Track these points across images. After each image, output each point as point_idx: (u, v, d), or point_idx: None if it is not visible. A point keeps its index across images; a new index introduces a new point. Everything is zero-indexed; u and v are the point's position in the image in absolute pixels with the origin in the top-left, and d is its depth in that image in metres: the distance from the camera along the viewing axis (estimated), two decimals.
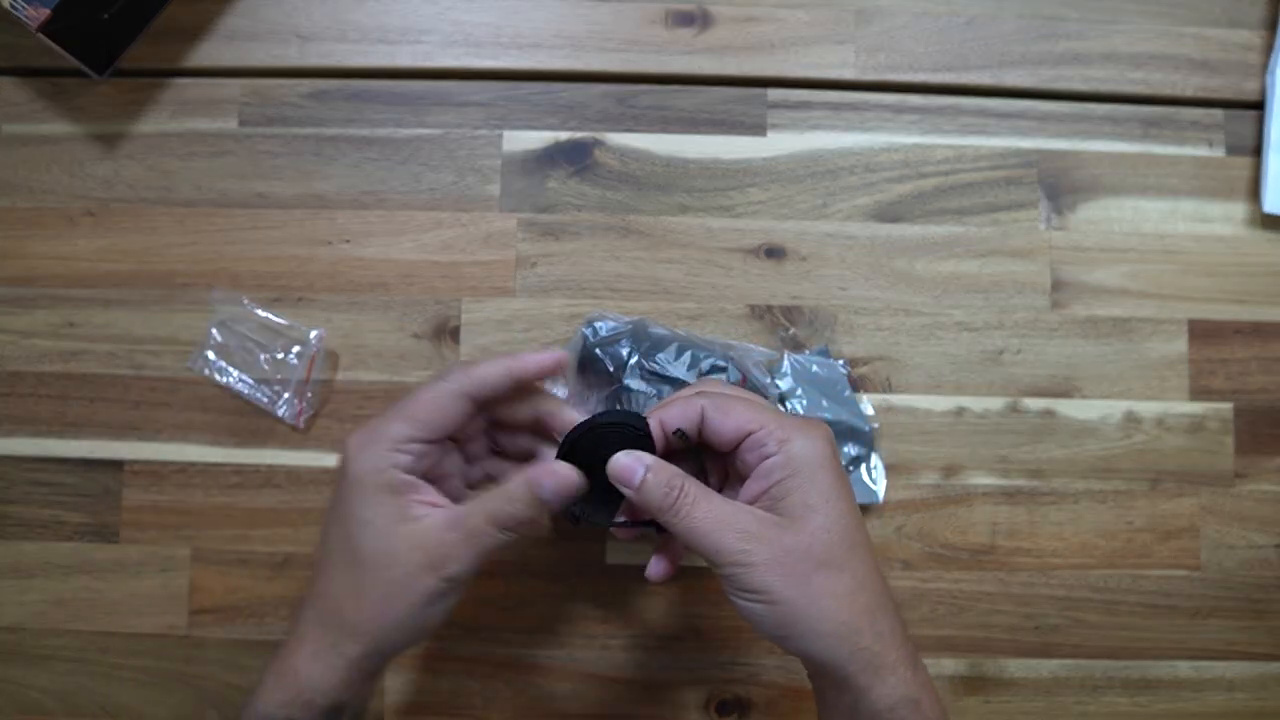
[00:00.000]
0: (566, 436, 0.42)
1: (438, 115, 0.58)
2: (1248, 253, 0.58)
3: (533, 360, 0.42)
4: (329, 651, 0.40)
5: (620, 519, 0.43)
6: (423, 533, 0.40)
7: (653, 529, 0.42)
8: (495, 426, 0.46)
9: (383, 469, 0.40)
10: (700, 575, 0.55)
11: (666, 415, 0.41)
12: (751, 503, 0.40)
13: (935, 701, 0.40)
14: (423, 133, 0.58)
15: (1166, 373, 0.57)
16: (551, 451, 0.43)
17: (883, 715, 0.38)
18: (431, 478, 0.42)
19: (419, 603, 0.40)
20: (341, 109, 0.58)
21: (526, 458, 0.46)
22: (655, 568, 0.43)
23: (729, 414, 0.40)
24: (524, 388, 0.43)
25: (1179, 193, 0.58)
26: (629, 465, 0.40)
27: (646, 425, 0.41)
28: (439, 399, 0.41)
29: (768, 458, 0.39)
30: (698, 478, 0.40)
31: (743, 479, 0.41)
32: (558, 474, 0.40)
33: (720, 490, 0.43)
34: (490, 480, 0.46)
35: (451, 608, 0.41)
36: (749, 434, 0.40)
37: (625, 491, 0.40)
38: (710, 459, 0.44)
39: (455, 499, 0.42)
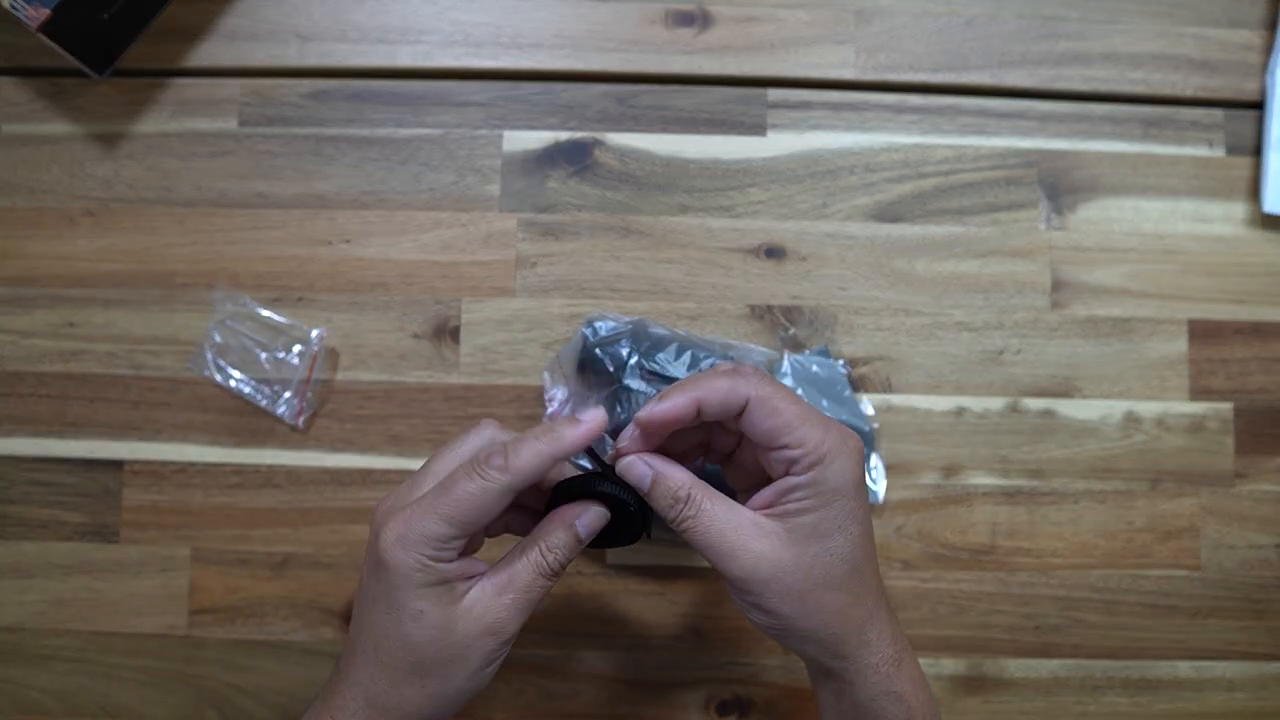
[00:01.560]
0: (560, 486, 0.42)
1: (438, 115, 0.58)
2: (1248, 253, 0.58)
3: (572, 435, 0.40)
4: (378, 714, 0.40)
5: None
6: (477, 605, 0.39)
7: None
8: None
9: (427, 566, 0.38)
10: (700, 576, 0.55)
11: (706, 396, 0.39)
12: (764, 507, 0.40)
13: (923, 697, 0.41)
14: (423, 133, 0.58)
15: (1166, 373, 0.57)
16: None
17: (863, 704, 0.40)
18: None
19: (478, 667, 0.40)
20: (341, 109, 0.58)
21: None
22: None
23: (774, 415, 0.39)
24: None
25: (1179, 193, 0.58)
26: (641, 472, 0.40)
27: (638, 501, 0.41)
28: (484, 499, 0.38)
29: (793, 474, 0.39)
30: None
31: (761, 466, 0.41)
32: (593, 512, 0.41)
33: (734, 450, 0.43)
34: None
35: (500, 663, 0.41)
36: (785, 446, 0.39)
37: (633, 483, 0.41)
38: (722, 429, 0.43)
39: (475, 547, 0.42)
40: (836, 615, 0.39)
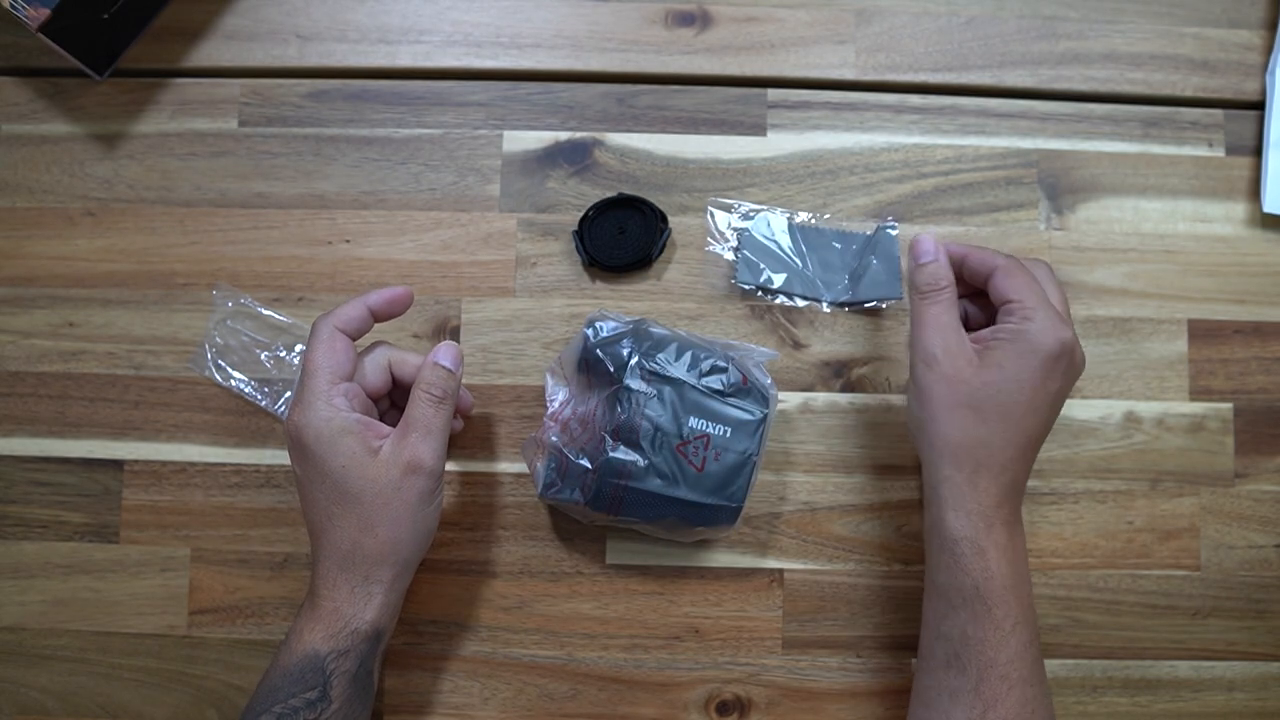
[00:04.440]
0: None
1: (438, 115, 0.58)
2: (1248, 253, 0.58)
3: (382, 295, 0.49)
4: (365, 585, 0.46)
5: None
6: (390, 453, 0.46)
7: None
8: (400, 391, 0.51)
9: (330, 419, 0.45)
10: (700, 575, 0.55)
11: (970, 256, 0.49)
12: (976, 335, 0.48)
13: (1007, 565, 0.45)
14: (423, 133, 0.58)
15: (1166, 373, 0.57)
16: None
17: (947, 543, 0.46)
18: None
19: (416, 505, 0.46)
20: (341, 109, 0.58)
21: None
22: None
23: (1010, 278, 0.47)
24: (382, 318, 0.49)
25: (1179, 193, 0.58)
26: (929, 248, 0.49)
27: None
28: (320, 343, 0.46)
29: (1008, 321, 0.46)
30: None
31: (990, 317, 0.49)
32: (445, 345, 0.48)
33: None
34: None
35: (441, 503, 0.48)
36: (1009, 300, 0.47)
37: (913, 258, 0.49)
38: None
39: None
40: (962, 438, 0.46)
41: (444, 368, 0.47)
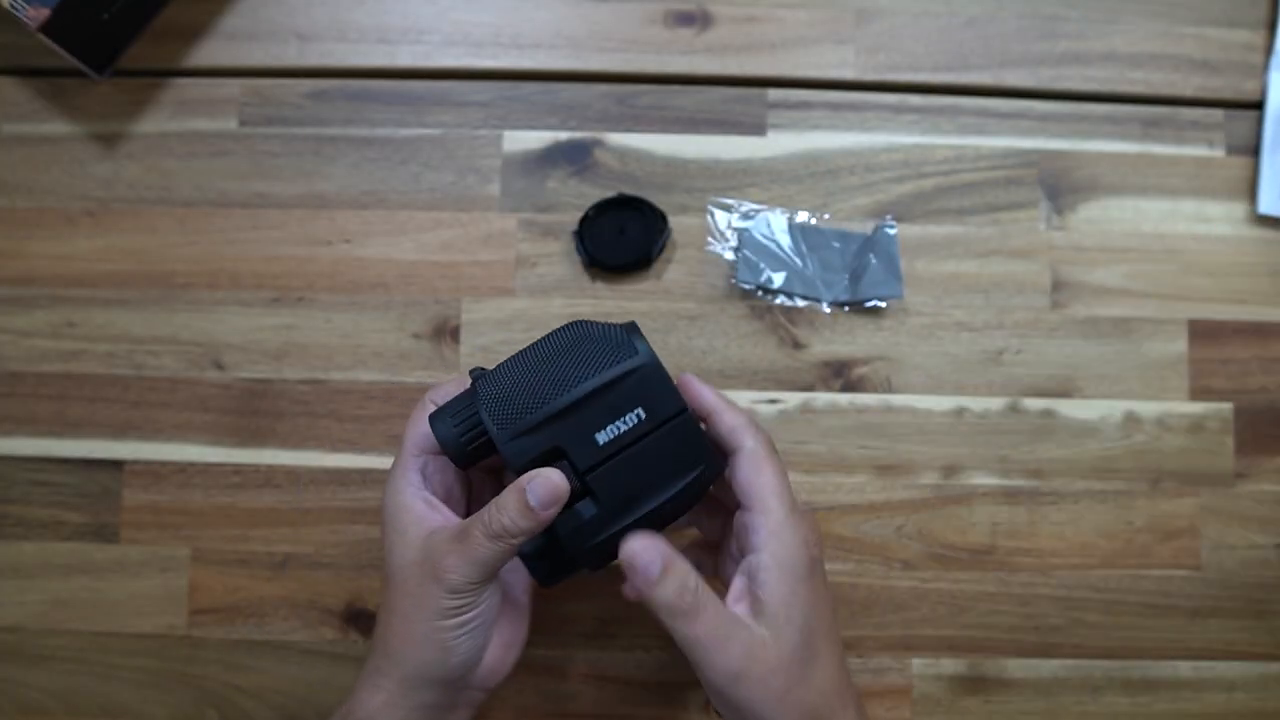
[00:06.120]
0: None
1: (438, 115, 0.58)
2: (1248, 253, 0.58)
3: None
4: (374, 672, 0.42)
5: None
6: (431, 543, 0.41)
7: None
8: None
9: (399, 491, 0.43)
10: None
11: (721, 414, 0.42)
12: (739, 600, 0.40)
13: None
14: (423, 133, 0.58)
15: (1166, 373, 0.57)
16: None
17: None
18: (449, 501, 0.45)
19: (432, 617, 0.41)
20: (341, 109, 0.58)
21: None
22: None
23: (758, 474, 0.41)
24: None
25: (1179, 193, 0.58)
26: (649, 559, 0.40)
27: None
28: (415, 413, 0.44)
29: (753, 550, 0.40)
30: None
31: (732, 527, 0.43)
32: (548, 480, 0.40)
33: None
34: None
35: (476, 634, 0.42)
36: (750, 510, 0.41)
37: (633, 581, 0.40)
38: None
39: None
40: (806, 702, 0.39)
41: (526, 502, 0.40)
